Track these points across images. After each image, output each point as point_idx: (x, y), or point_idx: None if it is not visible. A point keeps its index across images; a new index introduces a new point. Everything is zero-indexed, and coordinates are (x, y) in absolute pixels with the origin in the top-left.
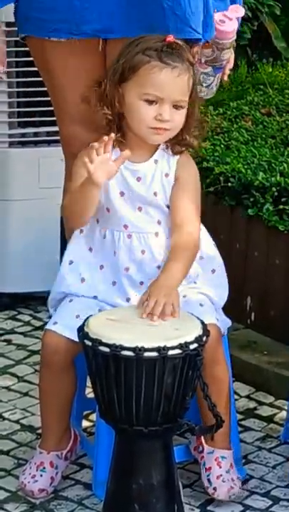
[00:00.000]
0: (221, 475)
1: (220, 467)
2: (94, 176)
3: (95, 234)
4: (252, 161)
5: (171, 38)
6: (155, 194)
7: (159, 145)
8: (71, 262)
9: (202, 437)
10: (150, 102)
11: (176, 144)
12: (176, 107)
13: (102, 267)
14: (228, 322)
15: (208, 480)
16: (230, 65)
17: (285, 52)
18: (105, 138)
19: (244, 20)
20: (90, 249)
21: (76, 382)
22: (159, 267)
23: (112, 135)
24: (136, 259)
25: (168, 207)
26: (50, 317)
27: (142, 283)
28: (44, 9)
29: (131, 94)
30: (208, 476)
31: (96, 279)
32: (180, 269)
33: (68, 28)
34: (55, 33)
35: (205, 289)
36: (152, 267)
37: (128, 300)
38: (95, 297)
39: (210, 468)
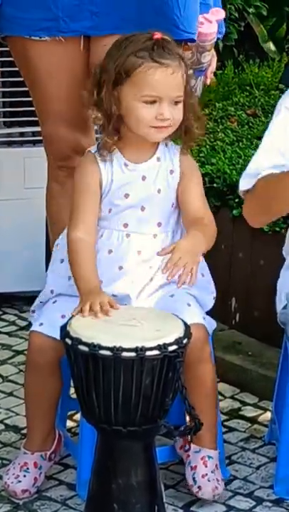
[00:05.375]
0: (207, 474)
1: (206, 466)
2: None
3: None
4: (237, 161)
5: (158, 35)
6: (159, 191)
7: (159, 142)
8: (62, 261)
9: (189, 436)
10: (150, 103)
11: (186, 139)
12: (175, 102)
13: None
14: (214, 324)
15: (193, 479)
16: (212, 68)
17: (272, 53)
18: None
19: (231, 21)
20: None
21: (62, 383)
22: (150, 267)
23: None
24: (131, 258)
25: (172, 205)
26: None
27: (132, 282)
28: (27, 7)
29: (128, 97)
30: (193, 474)
31: None
32: (202, 238)
33: (55, 26)
34: (38, 31)
35: (193, 291)
36: (145, 268)
37: (114, 296)
38: None
39: (195, 467)
